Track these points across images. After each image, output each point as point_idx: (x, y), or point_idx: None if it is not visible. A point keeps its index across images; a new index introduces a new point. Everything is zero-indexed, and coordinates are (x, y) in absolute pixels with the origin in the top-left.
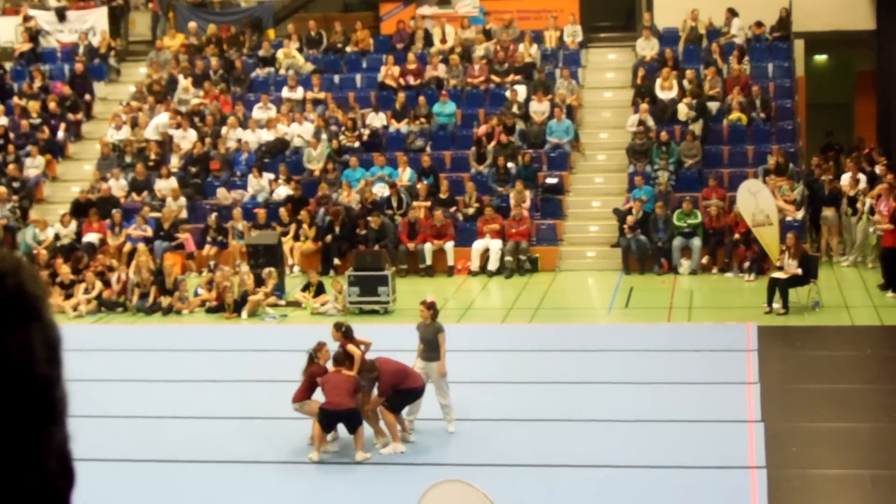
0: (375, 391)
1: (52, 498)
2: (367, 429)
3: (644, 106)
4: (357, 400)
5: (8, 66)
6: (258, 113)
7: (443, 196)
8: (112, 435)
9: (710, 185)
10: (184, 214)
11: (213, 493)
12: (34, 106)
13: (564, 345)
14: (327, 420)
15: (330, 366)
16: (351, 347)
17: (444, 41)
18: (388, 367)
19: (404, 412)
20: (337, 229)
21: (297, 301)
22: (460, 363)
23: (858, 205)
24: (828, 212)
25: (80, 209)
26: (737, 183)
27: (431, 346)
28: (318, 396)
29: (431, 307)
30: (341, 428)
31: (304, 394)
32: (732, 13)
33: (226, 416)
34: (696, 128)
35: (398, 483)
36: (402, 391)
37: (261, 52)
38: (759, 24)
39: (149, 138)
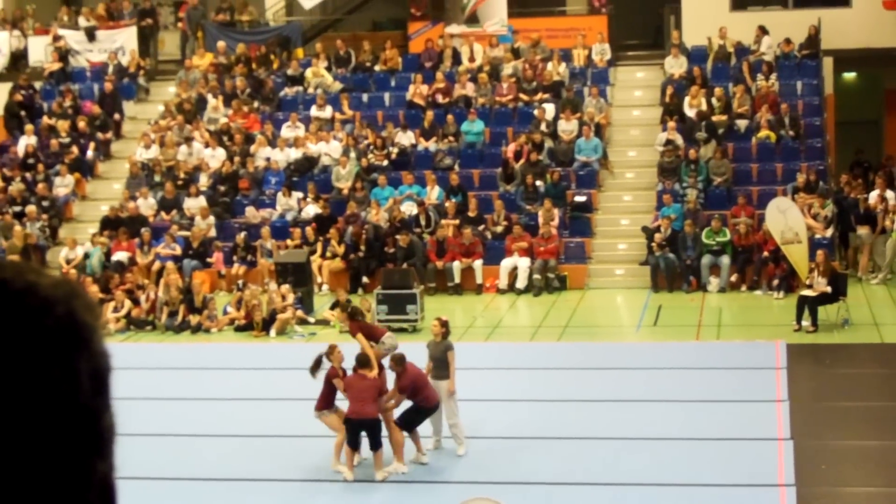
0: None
1: None
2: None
3: (672, 124)
4: (380, 406)
5: (38, 85)
6: (287, 132)
7: (471, 214)
8: (141, 453)
9: (738, 202)
10: (213, 233)
11: None
12: (63, 125)
13: (593, 363)
14: (352, 430)
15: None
16: (359, 338)
17: (472, 60)
18: (414, 368)
19: (428, 431)
20: (362, 248)
21: (325, 319)
22: (488, 381)
23: (887, 222)
24: (862, 230)
25: (108, 226)
26: (766, 201)
27: (441, 365)
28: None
29: (445, 325)
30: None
31: (324, 400)
32: (763, 31)
33: (254, 434)
34: (709, 150)
35: (424, 501)
36: (416, 407)
37: (289, 71)
38: (788, 42)
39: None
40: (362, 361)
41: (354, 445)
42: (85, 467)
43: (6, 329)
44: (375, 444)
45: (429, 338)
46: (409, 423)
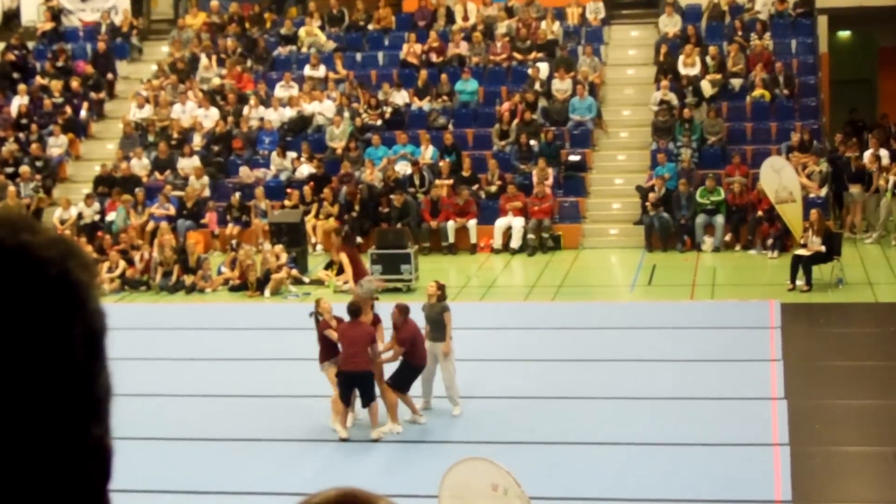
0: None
1: (87, 497)
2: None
3: (665, 83)
4: (374, 353)
5: (31, 45)
6: (280, 91)
7: (465, 174)
8: (136, 413)
9: (733, 162)
10: (206, 193)
11: (234, 469)
12: (56, 85)
13: (587, 322)
14: (345, 383)
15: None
16: (342, 257)
17: (466, 18)
18: (414, 324)
19: (418, 393)
20: (356, 208)
21: (319, 279)
22: (483, 341)
23: (881, 182)
24: (854, 189)
25: (101, 184)
26: (760, 160)
27: (436, 327)
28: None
29: (441, 288)
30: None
31: (324, 353)
32: None
33: (250, 394)
34: (702, 111)
35: (421, 461)
36: (409, 364)
37: (283, 31)
38: (783, 1)
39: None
40: (354, 309)
41: (347, 401)
42: (80, 431)
43: None
44: (368, 399)
45: (423, 298)
46: (402, 381)
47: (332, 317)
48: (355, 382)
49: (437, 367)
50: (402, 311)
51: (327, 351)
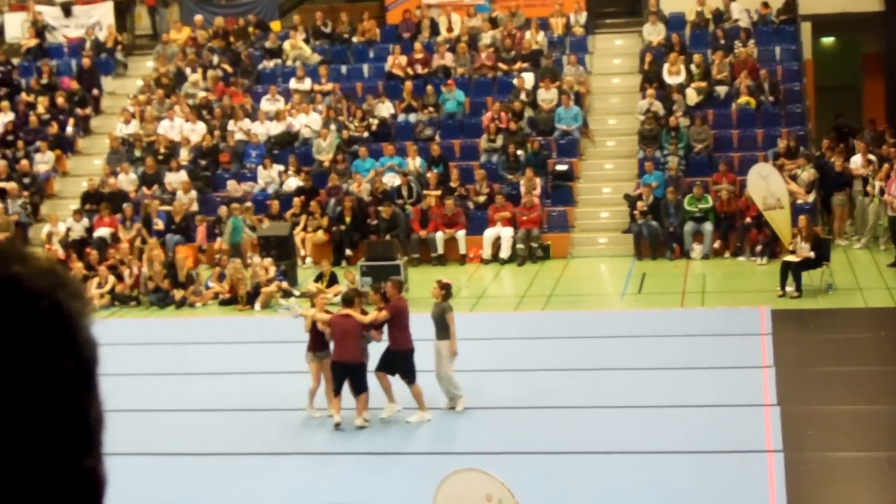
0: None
1: None
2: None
3: (650, 91)
4: (365, 341)
5: (15, 61)
6: (266, 105)
7: (453, 185)
8: (128, 429)
9: (720, 169)
10: (194, 207)
11: (227, 484)
12: (42, 101)
13: (578, 331)
14: (337, 374)
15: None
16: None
17: (450, 30)
18: (404, 302)
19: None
20: (347, 220)
21: (309, 292)
22: (474, 351)
23: (869, 187)
24: (838, 195)
25: (90, 201)
26: (747, 167)
27: (440, 326)
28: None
29: (445, 287)
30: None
31: (311, 343)
32: None
33: (242, 408)
34: (687, 118)
35: (414, 471)
36: (397, 353)
37: (267, 44)
38: (766, 5)
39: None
40: (348, 300)
41: (339, 390)
42: (72, 462)
43: None
44: (359, 388)
45: (413, 308)
46: (408, 372)
47: (324, 308)
48: (347, 373)
49: (442, 365)
50: (396, 285)
51: (314, 342)
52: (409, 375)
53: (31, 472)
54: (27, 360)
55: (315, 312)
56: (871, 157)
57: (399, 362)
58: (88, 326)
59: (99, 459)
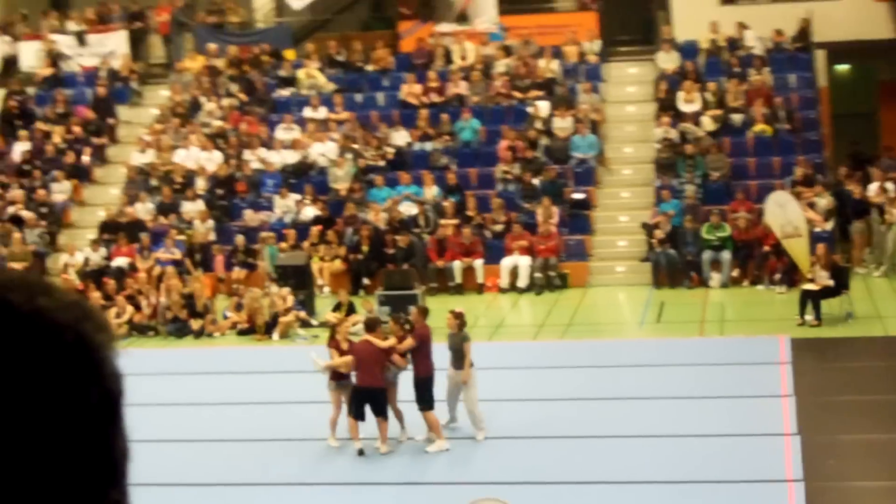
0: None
1: None
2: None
3: (665, 119)
4: (392, 373)
5: (31, 91)
6: (282, 133)
7: (470, 213)
8: (145, 459)
9: (737, 197)
10: (212, 237)
11: None
12: (58, 131)
13: (597, 361)
14: (358, 399)
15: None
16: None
17: (464, 58)
18: (427, 328)
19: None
20: (365, 248)
21: (327, 321)
22: (493, 380)
23: (887, 215)
24: (857, 223)
25: (107, 231)
26: (764, 195)
27: (458, 356)
28: None
29: (459, 317)
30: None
31: (334, 372)
32: (743, 26)
33: (260, 438)
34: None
35: (432, 500)
36: (418, 379)
37: (281, 73)
38: (780, 33)
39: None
40: (371, 325)
41: (358, 416)
42: (97, 496)
43: (12, 357)
44: (379, 412)
45: (431, 338)
46: (424, 399)
47: (346, 339)
48: (368, 398)
49: (461, 395)
50: (422, 311)
51: (336, 372)
52: (426, 402)
53: None
54: (52, 392)
55: (335, 361)
56: (889, 184)
57: (419, 388)
58: (113, 359)
59: (124, 492)
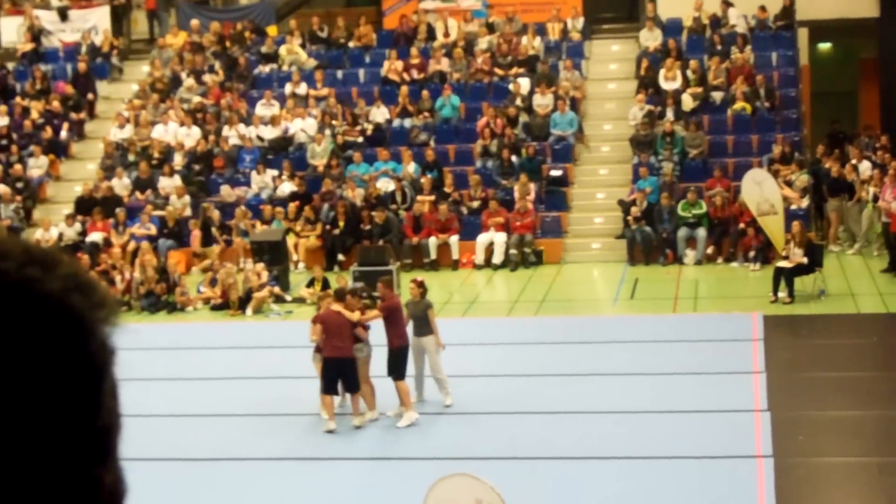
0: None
1: None
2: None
3: (640, 97)
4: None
5: (10, 66)
6: (262, 109)
7: (447, 190)
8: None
9: (714, 175)
10: (188, 212)
11: (220, 489)
12: (37, 106)
13: (570, 337)
14: (328, 371)
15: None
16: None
17: (447, 35)
18: (396, 298)
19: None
20: (341, 224)
21: (302, 297)
22: (466, 356)
23: (863, 193)
24: (832, 201)
25: (83, 206)
26: (741, 172)
27: (421, 322)
28: None
29: (421, 285)
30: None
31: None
32: (727, 4)
33: (233, 413)
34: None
35: (405, 477)
36: (391, 350)
37: (263, 49)
38: (763, 9)
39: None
40: (339, 295)
41: (329, 390)
42: (77, 472)
43: None
44: (350, 386)
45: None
46: (396, 369)
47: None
48: (339, 369)
49: (426, 364)
50: (387, 283)
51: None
52: (398, 371)
53: (39, 480)
54: (30, 363)
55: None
56: (866, 163)
57: (392, 359)
58: (104, 332)
59: (110, 468)
